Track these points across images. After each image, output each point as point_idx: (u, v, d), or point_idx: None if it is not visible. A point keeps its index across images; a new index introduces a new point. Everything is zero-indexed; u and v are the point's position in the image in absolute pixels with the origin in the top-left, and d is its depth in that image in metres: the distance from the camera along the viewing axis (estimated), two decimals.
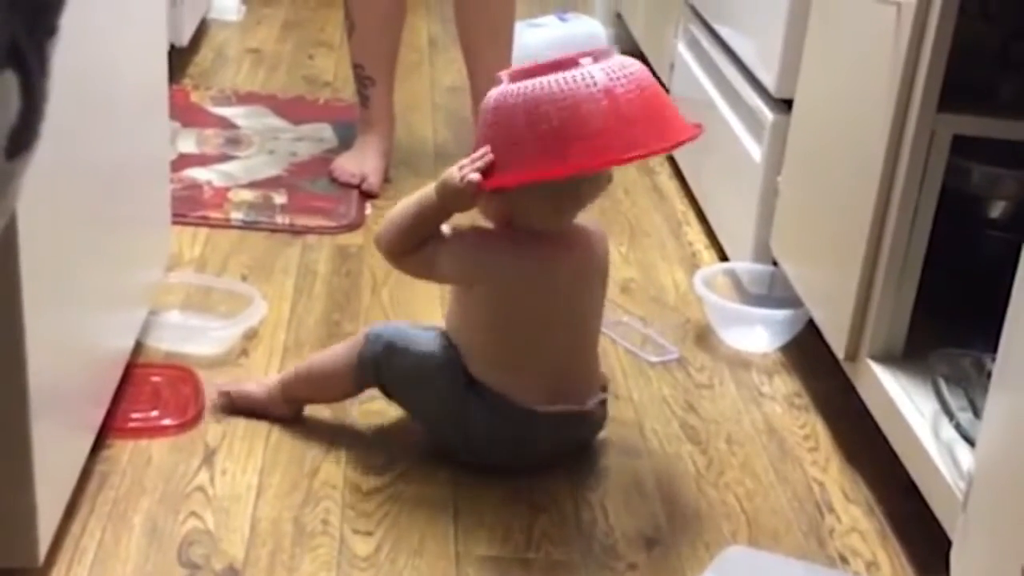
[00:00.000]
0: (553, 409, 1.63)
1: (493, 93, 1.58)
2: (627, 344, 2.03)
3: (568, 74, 1.53)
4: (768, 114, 2.13)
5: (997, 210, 1.72)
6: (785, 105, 2.09)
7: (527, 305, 1.63)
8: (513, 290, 1.62)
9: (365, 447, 1.70)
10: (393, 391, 1.69)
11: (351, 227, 2.35)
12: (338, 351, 1.71)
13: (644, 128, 1.53)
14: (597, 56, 1.56)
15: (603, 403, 1.72)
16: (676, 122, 1.58)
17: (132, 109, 1.70)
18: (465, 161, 1.57)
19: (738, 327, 2.05)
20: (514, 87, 1.55)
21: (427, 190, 1.60)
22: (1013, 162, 1.67)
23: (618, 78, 1.53)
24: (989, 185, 1.70)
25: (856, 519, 1.65)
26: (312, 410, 1.77)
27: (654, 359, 2.00)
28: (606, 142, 1.51)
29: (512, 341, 1.64)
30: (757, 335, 2.04)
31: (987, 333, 1.34)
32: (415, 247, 1.62)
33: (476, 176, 1.54)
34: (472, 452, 1.66)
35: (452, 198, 1.57)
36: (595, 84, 1.52)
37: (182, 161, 2.53)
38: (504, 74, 1.60)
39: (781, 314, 2.00)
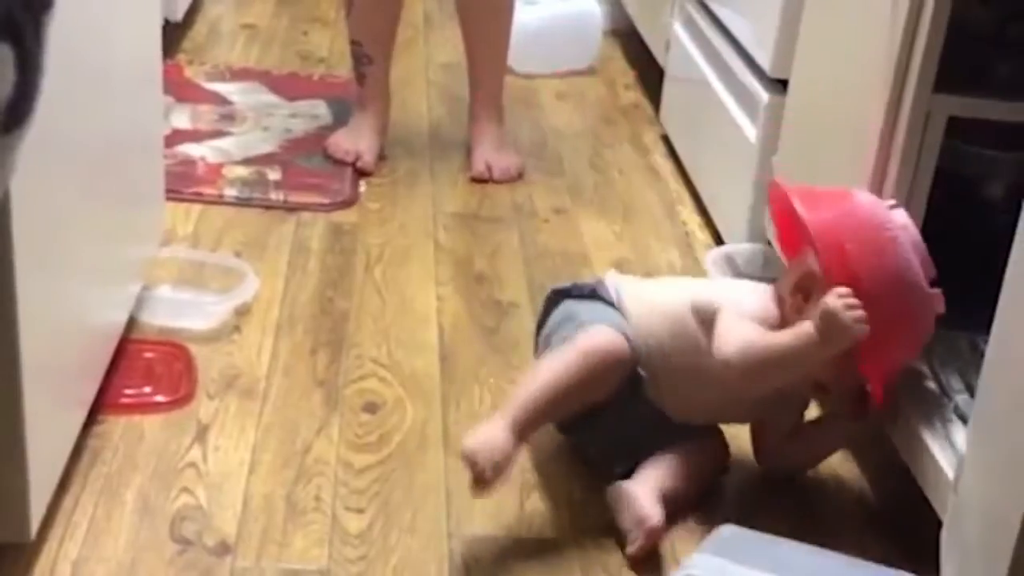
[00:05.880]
0: None
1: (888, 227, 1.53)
2: None
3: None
4: (763, 94, 2.12)
5: (992, 192, 1.72)
6: (780, 85, 2.08)
7: None
8: None
9: (357, 425, 1.70)
10: None
11: (345, 204, 2.34)
12: (572, 360, 1.54)
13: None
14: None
15: None
16: None
17: (126, 84, 1.69)
18: (844, 292, 1.47)
19: None
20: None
21: (804, 329, 1.49)
22: (1008, 144, 1.67)
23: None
24: (984, 167, 1.69)
25: (847, 500, 1.66)
26: (304, 388, 1.77)
27: None
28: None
29: None
30: None
31: (982, 314, 1.34)
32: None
33: (863, 328, 1.46)
34: None
35: (838, 337, 1.47)
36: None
37: (176, 136, 2.52)
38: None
39: None
